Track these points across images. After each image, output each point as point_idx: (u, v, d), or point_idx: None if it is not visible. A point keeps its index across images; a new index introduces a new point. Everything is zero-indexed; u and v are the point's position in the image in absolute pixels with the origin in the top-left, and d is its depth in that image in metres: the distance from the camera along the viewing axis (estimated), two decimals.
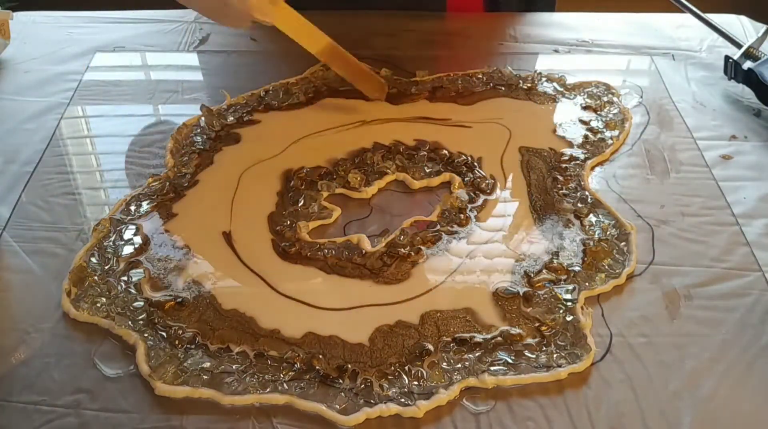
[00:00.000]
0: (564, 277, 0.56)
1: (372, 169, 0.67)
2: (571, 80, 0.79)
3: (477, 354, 0.51)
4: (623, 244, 0.59)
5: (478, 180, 0.65)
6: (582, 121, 0.73)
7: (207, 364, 0.50)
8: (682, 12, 0.84)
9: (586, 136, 0.71)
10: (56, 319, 0.53)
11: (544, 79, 0.79)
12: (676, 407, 0.48)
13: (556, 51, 0.85)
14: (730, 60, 0.78)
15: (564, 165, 0.67)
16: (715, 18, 0.84)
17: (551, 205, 0.63)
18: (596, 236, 0.60)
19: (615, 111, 0.74)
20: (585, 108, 0.75)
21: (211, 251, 0.59)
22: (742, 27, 0.87)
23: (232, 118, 0.73)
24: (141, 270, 0.57)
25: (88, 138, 0.73)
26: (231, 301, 0.54)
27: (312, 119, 0.73)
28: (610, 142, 0.70)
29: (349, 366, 0.49)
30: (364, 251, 0.59)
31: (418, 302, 0.54)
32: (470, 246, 0.59)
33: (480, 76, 0.79)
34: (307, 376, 0.49)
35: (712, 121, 0.74)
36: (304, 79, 0.79)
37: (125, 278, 0.56)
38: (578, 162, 0.68)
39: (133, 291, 0.55)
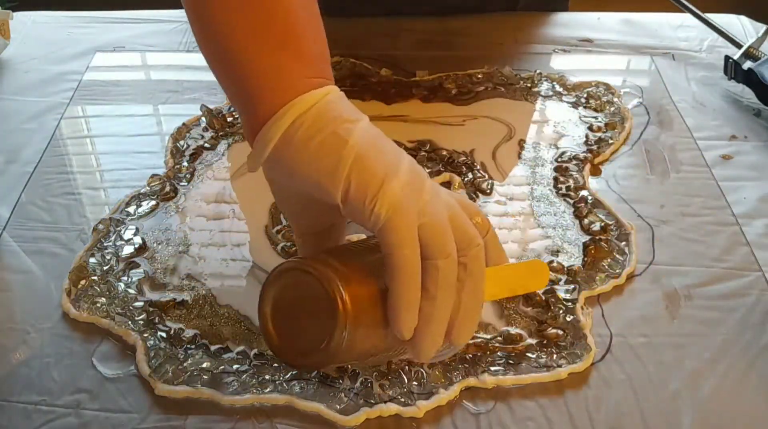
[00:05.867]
0: (564, 277, 0.56)
1: None
2: (571, 80, 0.79)
3: (477, 354, 0.51)
4: (623, 244, 0.59)
5: (478, 180, 0.65)
6: (582, 121, 0.73)
7: (207, 364, 0.50)
8: (682, 12, 0.84)
9: (586, 136, 0.71)
10: (56, 319, 0.53)
11: (544, 79, 0.79)
12: (676, 407, 0.48)
13: (556, 51, 0.85)
14: (730, 60, 0.78)
15: (564, 164, 0.67)
16: (715, 18, 0.84)
17: (549, 200, 0.63)
18: (596, 236, 0.59)
19: (615, 111, 0.74)
20: (585, 108, 0.75)
21: (212, 248, 0.59)
22: (742, 27, 0.87)
23: (232, 118, 0.73)
24: (141, 270, 0.57)
25: (88, 138, 0.73)
26: (230, 300, 0.54)
27: None
28: (610, 142, 0.70)
29: (349, 366, 0.49)
30: None
31: None
32: None
33: (480, 76, 0.79)
34: (307, 376, 0.49)
35: (712, 121, 0.74)
36: None
37: (125, 278, 0.56)
38: (578, 161, 0.68)
39: (133, 291, 0.55)
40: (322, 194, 0.39)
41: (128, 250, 0.58)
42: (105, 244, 0.59)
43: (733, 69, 0.77)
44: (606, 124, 0.72)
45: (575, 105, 0.75)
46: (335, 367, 0.49)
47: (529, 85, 0.78)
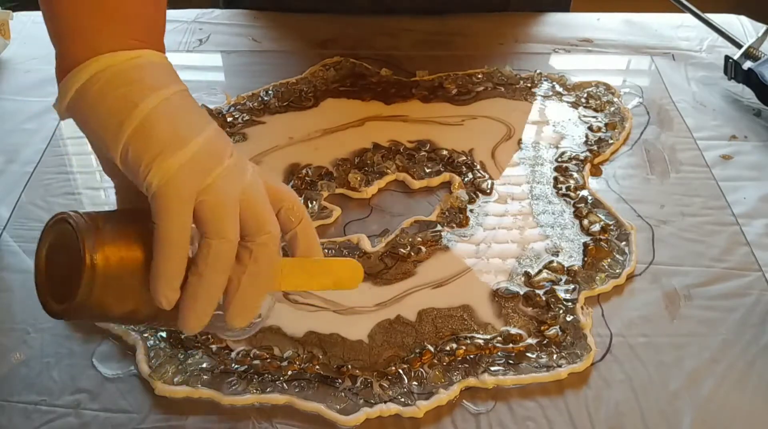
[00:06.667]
0: (564, 277, 0.56)
1: (372, 169, 0.67)
2: (571, 80, 0.79)
3: (477, 354, 0.51)
4: (623, 244, 0.59)
5: (478, 180, 0.65)
6: (582, 121, 0.73)
7: (207, 364, 0.50)
8: (682, 12, 0.84)
9: (586, 136, 0.71)
10: (56, 319, 0.53)
11: (544, 79, 0.79)
12: (676, 407, 0.48)
13: (556, 51, 0.85)
14: (730, 60, 0.78)
15: (564, 164, 0.67)
16: (715, 18, 0.84)
17: (549, 199, 0.63)
18: (596, 236, 0.60)
19: (615, 111, 0.74)
20: (585, 108, 0.75)
21: None
22: (742, 27, 0.87)
23: (231, 119, 0.73)
24: None
25: None
26: None
27: (312, 119, 0.73)
28: (610, 142, 0.70)
29: (350, 366, 0.49)
30: (364, 251, 0.59)
31: (417, 300, 0.54)
32: (470, 245, 0.59)
33: (480, 76, 0.79)
34: (307, 376, 0.49)
35: (712, 121, 0.74)
36: (304, 79, 0.79)
37: None
38: (578, 161, 0.68)
39: None
40: (107, 153, 0.39)
41: None
42: None
43: (733, 69, 0.77)
44: (606, 124, 0.72)
45: (575, 105, 0.75)
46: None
47: (529, 85, 0.78)
